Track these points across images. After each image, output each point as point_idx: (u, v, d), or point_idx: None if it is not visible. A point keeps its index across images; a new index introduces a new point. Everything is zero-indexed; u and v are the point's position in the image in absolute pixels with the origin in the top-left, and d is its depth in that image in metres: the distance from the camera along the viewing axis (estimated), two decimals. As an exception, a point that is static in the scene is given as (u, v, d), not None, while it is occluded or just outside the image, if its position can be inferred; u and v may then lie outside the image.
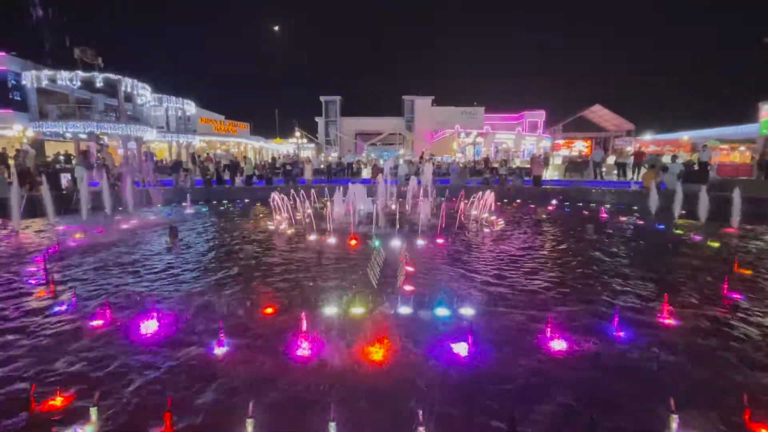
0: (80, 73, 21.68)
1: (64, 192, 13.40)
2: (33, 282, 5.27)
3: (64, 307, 4.38)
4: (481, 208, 10.70)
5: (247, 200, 15.45)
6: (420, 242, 7.66)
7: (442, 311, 4.25)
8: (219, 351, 3.43)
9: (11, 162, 15.41)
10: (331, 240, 7.81)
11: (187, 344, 3.57)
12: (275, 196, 10.41)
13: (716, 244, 7.21)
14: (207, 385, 2.96)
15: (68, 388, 2.89)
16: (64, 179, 14.60)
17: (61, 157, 19.58)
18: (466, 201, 11.64)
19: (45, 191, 10.54)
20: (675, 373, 3.14)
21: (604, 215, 11.41)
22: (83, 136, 23.30)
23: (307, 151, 38.94)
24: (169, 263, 6.33)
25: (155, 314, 3.97)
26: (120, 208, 12.08)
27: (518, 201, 15.17)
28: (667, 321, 4.04)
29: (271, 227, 9.46)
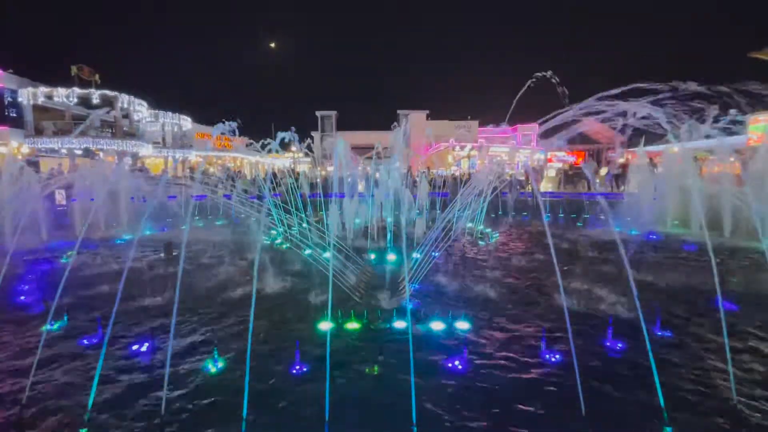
0: (77, 90, 21.85)
1: (59, 208, 13.34)
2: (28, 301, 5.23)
3: (56, 326, 4.34)
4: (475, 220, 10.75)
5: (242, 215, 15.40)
6: (415, 256, 7.67)
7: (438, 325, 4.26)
8: (213, 368, 3.41)
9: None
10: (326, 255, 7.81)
11: (180, 362, 3.54)
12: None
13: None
14: (201, 400, 2.93)
15: (58, 408, 2.86)
16: (59, 195, 14.53)
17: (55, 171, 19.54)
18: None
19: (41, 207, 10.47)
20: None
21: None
22: (79, 152, 23.32)
23: (304, 165, 39.07)
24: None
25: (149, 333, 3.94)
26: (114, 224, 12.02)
27: (514, 213, 15.26)
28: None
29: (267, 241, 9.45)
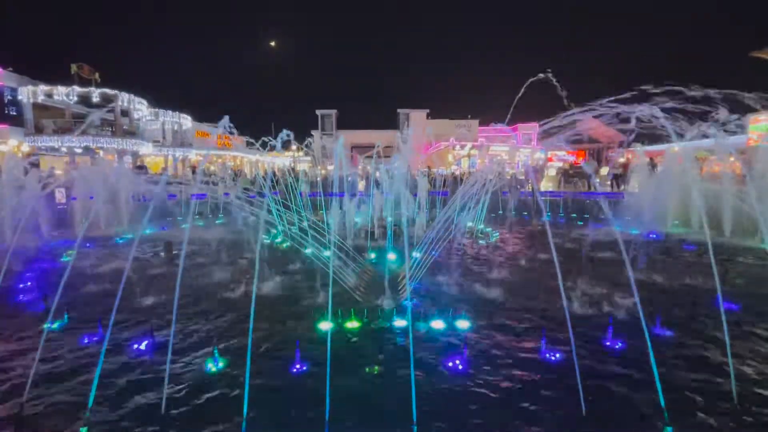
0: (77, 88, 21.83)
1: (59, 206, 13.33)
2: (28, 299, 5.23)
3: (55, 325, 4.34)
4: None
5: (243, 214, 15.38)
6: (415, 255, 7.66)
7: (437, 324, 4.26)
8: (213, 367, 3.41)
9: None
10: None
11: (182, 361, 3.54)
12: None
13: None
14: (201, 399, 2.93)
15: (58, 407, 2.86)
16: (59, 193, 14.53)
17: (56, 172, 19.51)
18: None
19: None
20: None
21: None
22: (79, 151, 23.32)
23: (304, 164, 39.05)
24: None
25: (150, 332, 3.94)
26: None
27: (514, 212, 15.25)
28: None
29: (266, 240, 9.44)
